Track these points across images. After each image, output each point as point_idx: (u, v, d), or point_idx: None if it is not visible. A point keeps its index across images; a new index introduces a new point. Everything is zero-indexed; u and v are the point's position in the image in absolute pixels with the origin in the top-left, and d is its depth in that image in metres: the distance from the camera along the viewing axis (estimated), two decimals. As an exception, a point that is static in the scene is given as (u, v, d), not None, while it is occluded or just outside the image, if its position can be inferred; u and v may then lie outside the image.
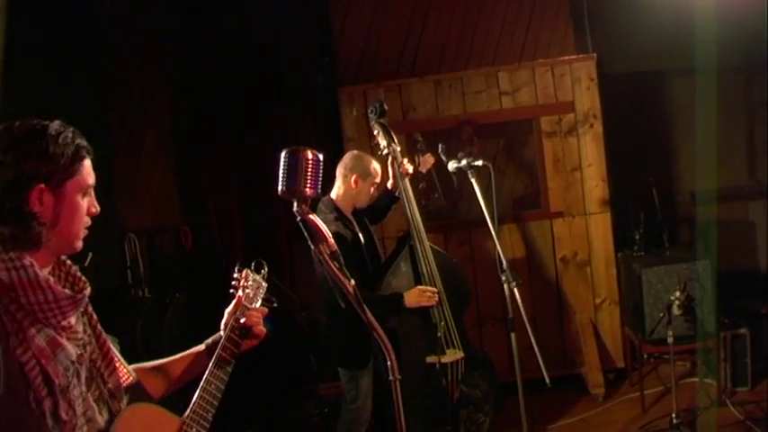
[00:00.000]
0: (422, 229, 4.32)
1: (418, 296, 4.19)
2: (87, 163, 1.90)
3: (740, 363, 5.25)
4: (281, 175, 1.94)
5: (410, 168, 4.48)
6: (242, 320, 2.28)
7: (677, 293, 4.97)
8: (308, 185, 1.95)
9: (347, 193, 4.35)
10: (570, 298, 5.95)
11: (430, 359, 4.23)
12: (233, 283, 2.50)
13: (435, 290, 4.24)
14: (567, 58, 5.91)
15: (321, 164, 1.97)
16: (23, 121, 1.84)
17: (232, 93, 6.07)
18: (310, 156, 1.95)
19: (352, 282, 1.98)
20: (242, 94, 6.08)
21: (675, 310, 4.95)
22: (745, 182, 6.51)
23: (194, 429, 2.12)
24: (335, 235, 4.06)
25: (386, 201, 4.62)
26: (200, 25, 6.04)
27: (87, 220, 1.93)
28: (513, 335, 4.09)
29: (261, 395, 5.66)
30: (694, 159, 6.22)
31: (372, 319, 2.00)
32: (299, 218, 1.95)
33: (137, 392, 2.11)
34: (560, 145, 5.85)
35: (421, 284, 4.26)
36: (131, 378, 2.10)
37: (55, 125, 1.84)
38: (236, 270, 2.47)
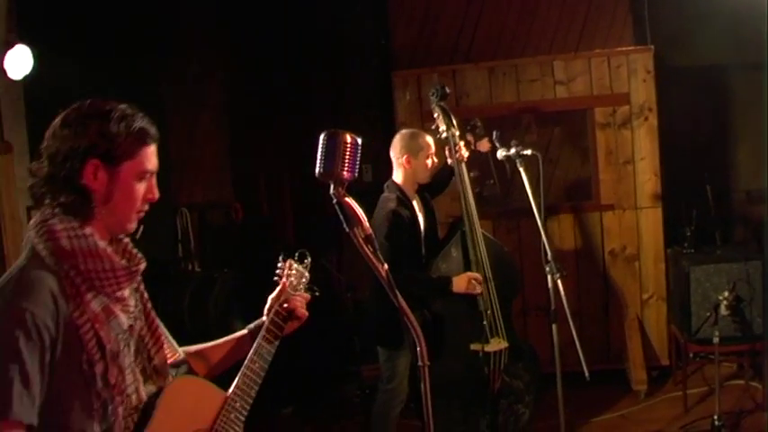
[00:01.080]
0: (475, 215, 4.32)
1: (466, 283, 4.20)
2: (149, 149, 1.95)
3: (788, 367, 5.14)
4: (318, 157, 1.96)
5: (465, 153, 4.46)
6: (285, 305, 2.35)
7: (725, 293, 4.90)
8: (346, 168, 1.96)
9: (405, 174, 4.38)
10: (617, 292, 5.88)
11: (474, 346, 4.25)
12: (277, 271, 2.56)
13: (481, 279, 4.24)
14: (623, 48, 5.82)
15: (359, 147, 1.98)
16: (95, 100, 1.93)
17: (287, 72, 6.12)
18: (349, 139, 1.96)
19: (386, 266, 2.00)
20: (297, 74, 6.12)
21: (723, 311, 4.88)
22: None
23: (238, 404, 2.20)
24: (394, 214, 4.18)
25: (446, 173, 4.57)
26: (259, 4, 6.09)
27: (143, 205, 1.98)
28: (554, 326, 4.08)
29: (303, 374, 5.73)
30: (752, 157, 6.07)
31: (404, 304, 2.00)
32: (335, 200, 1.96)
33: (182, 370, 2.18)
34: (614, 137, 5.77)
35: (470, 271, 4.26)
36: (178, 355, 2.18)
37: (123, 107, 1.92)
38: (280, 259, 2.52)
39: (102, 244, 1.89)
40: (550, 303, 4.05)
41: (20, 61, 4.92)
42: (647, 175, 5.74)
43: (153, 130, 1.96)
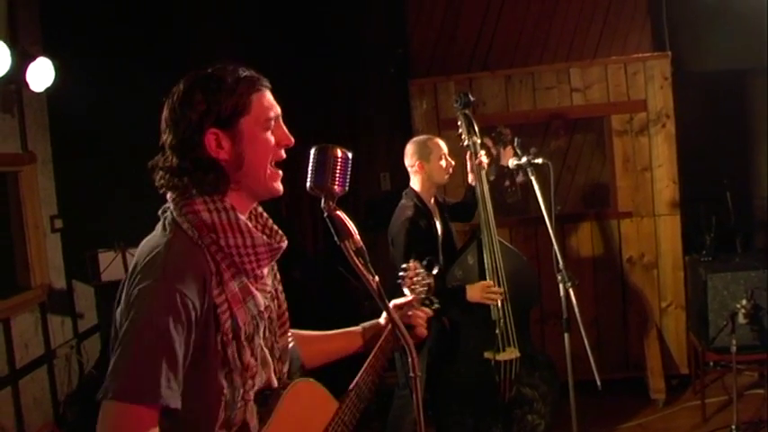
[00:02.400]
0: (492, 223, 4.33)
1: (480, 291, 4.20)
2: (263, 96, 1.90)
3: (808, 377, 5.07)
4: (309, 171, 1.99)
5: (486, 160, 4.47)
6: (409, 312, 2.38)
7: (743, 302, 4.86)
8: (337, 183, 1.98)
9: (421, 180, 4.42)
10: (635, 300, 5.84)
11: (487, 354, 4.26)
12: (400, 273, 2.63)
13: (500, 290, 4.24)
14: (640, 55, 5.79)
15: (350, 162, 2.00)
16: (191, 73, 1.87)
17: (304, 81, 6.16)
18: (339, 153, 1.98)
19: (377, 278, 2.01)
20: (314, 83, 6.16)
21: (741, 319, 4.84)
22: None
23: (347, 417, 2.19)
24: (410, 222, 4.21)
25: (469, 197, 4.59)
26: (273, 12, 6.14)
27: (280, 154, 1.94)
28: (566, 336, 4.07)
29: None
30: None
31: (395, 316, 2.03)
32: (326, 214, 1.99)
33: (293, 360, 2.16)
34: (631, 144, 5.74)
35: (486, 279, 4.27)
36: (291, 340, 2.17)
37: (218, 67, 1.87)
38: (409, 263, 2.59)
39: (242, 218, 1.85)
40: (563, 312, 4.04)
41: (42, 73, 5.03)
42: (664, 182, 5.70)
43: (259, 77, 1.90)
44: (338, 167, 1.99)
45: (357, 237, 2.01)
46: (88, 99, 5.25)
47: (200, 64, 1.92)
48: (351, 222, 2.02)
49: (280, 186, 1.96)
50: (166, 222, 1.84)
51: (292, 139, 1.97)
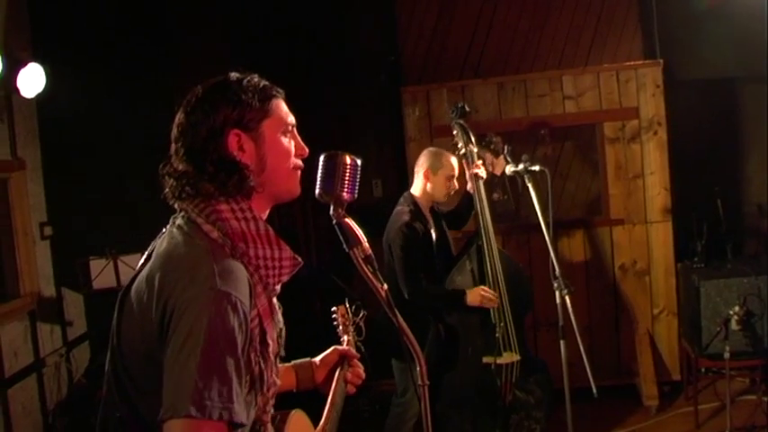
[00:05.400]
0: (491, 229, 4.38)
1: (480, 297, 4.23)
2: (280, 102, 1.89)
3: (801, 383, 5.09)
4: (318, 178, 1.97)
5: (483, 173, 4.50)
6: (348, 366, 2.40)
7: (736, 308, 4.89)
8: (346, 190, 1.97)
9: (423, 188, 4.45)
10: (627, 307, 5.86)
11: (486, 359, 4.29)
12: (333, 317, 2.65)
13: (496, 294, 4.27)
14: (632, 63, 5.81)
15: (359, 168, 2.00)
16: (206, 81, 1.85)
17: (295, 89, 6.13)
18: (348, 161, 1.97)
19: (385, 286, 2.00)
20: (306, 91, 6.14)
21: (733, 326, 4.86)
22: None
23: None
24: (408, 227, 4.23)
25: (465, 204, 4.64)
26: (265, 18, 6.12)
27: (298, 162, 1.91)
28: (562, 343, 4.08)
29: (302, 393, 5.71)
30: (763, 170, 6.03)
31: (403, 323, 2.01)
32: (334, 221, 1.97)
33: None
34: (623, 151, 5.76)
35: (484, 284, 4.31)
36: None
37: (235, 74, 1.85)
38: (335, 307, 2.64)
39: (271, 229, 1.79)
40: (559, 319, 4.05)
41: (33, 79, 4.99)
42: (656, 189, 5.72)
43: (274, 86, 1.89)
44: (347, 174, 1.98)
45: (366, 244, 1.99)
46: (79, 105, 5.23)
47: (190, 71, 1.90)
48: (359, 230, 2.01)
49: (299, 188, 1.93)
50: (186, 230, 1.75)
51: (307, 150, 1.95)
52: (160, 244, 1.79)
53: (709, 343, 4.98)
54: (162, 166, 1.84)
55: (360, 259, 1.97)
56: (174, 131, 1.82)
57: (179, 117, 1.82)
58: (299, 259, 1.86)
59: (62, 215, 5.82)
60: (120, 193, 5.64)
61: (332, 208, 1.98)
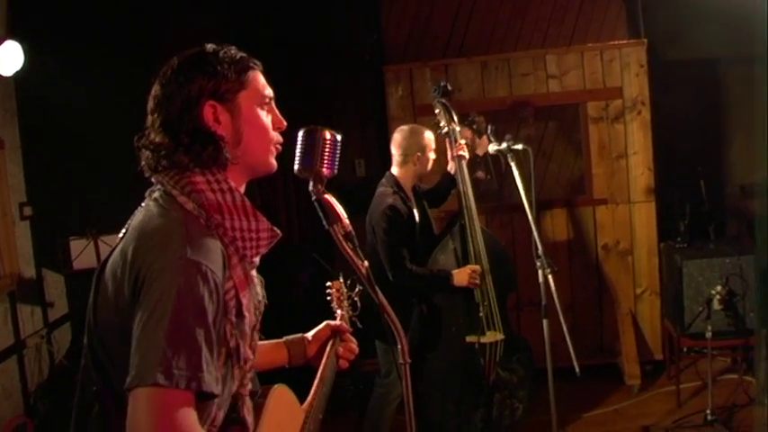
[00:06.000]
0: (474, 209, 4.36)
1: (467, 276, 4.22)
2: (258, 74, 1.85)
3: (781, 361, 5.12)
4: (297, 153, 1.95)
5: (466, 153, 4.49)
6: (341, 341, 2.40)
7: (718, 288, 4.91)
8: (325, 165, 1.94)
9: (409, 170, 4.44)
10: (610, 286, 5.88)
11: (470, 338, 4.28)
12: (328, 291, 2.65)
13: (480, 271, 4.26)
14: (616, 42, 5.79)
15: (339, 144, 1.97)
16: (181, 52, 1.81)
17: (278, 68, 6.07)
18: (328, 135, 1.95)
19: (366, 263, 1.98)
20: (288, 68, 6.09)
21: (716, 305, 4.89)
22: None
23: (312, 427, 2.16)
24: (392, 209, 4.21)
25: (446, 184, 4.65)
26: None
27: (277, 136, 1.89)
28: (545, 322, 4.08)
29: (295, 368, 5.71)
30: (746, 151, 6.05)
31: (384, 301, 1.99)
32: (314, 197, 1.95)
33: None
34: (606, 131, 5.75)
35: (468, 263, 4.30)
36: None
37: (211, 45, 1.81)
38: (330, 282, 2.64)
39: (248, 200, 1.76)
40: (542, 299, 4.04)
41: (11, 57, 4.90)
42: (640, 169, 5.73)
43: (251, 57, 1.85)
44: (327, 150, 1.96)
45: (346, 221, 1.97)
46: (58, 84, 5.14)
47: (171, 47, 1.86)
48: (340, 206, 1.98)
49: (275, 162, 1.90)
50: (162, 202, 1.72)
51: (285, 123, 1.91)
52: (135, 217, 1.76)
53: (691, 322, 5.00)
54: (137, 139, 1.80)
55: (340, 236, 1.95)
56: (150, 103, 1.79)
57: (155, 89, 1.79)
58: (277, 231, 1.83)
59: (42, 195, 5.75)
60: (101, 172, 5.57)
61: (311, 184, 1.95)
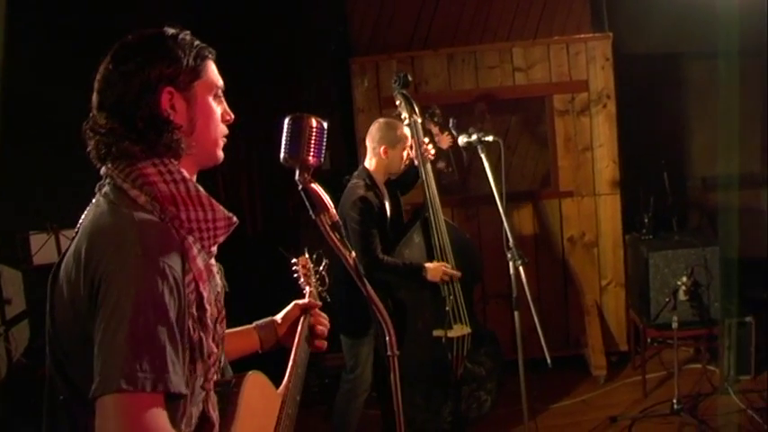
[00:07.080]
0: (437, 202, 4.35)
1: (441, 274, 4.22)
2: (212, 64, 1.80)
3: (744, 351, 5.20)
4: (283, 141, 1.89)
5: (432, 151, 4.48)
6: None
7: (684, 279, 4.96)
8: (312, 154, 1.90)
9: (379, 163, 4.39)
10: (576, 279, 5.91)
11: (436, 333, 4.27)
12: (294, 269, 2.57)
13: (458, 273, 4.25)
14: (582, 36, 5.82)
15: (325, 131, 1.93)
16: (137, 31, 1.73)
17: (243, 59, 6.00)
18: (314, 123, 1.91)
19: (353, 254, 1.94)
20: (253, 61, 6.01)
21: (681, 296, 4.94)
22: (758, 170, 6.41)
23: (291, 410, 2.12)
24: (363, 201, 4.18)
25: (413, 173, 4.58)
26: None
27: (224, 128, 1.83)
28: (516, 314, 4.08)
29: (261, 362, 5.65)
30: (708, 145, 6.13)
31: (372, 292, 1.96)
32: (300, 186, 1.90)
33: None
34: (572, 124, 5.78)
35: (433, 257, 4.28)
36: None
37: (170, 29, 1.75)
38: (296, 257, 2.56)
39: (202, 190, 1.70)
40: (511, 290, 4.04)
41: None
42: (605, 161, 5.77)
43: (205, 45, 1.80)
44: (313, 138, 1.91)
45: (333, 210, 1.93)
46: (16, 71, 4.99)
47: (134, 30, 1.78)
48: (326, 195, 1.94)
49: (222, 154, 1.84)
50: (112, 197, 1.65)
51: (233, 116, 1.86)
52: (86, 216, 1.69)
53: (658, 313, 5.05)
54: (85, 123, 1.72)
55: (326, 226, 1.91)
56: (100, 82, 1.70)
57: (106, 66, 1.69)
58: (234, 219, 1.77)
59: (0, 188, 5.58)
60: (62, 165, 5.42)
61: (297, 173, 1.91)
